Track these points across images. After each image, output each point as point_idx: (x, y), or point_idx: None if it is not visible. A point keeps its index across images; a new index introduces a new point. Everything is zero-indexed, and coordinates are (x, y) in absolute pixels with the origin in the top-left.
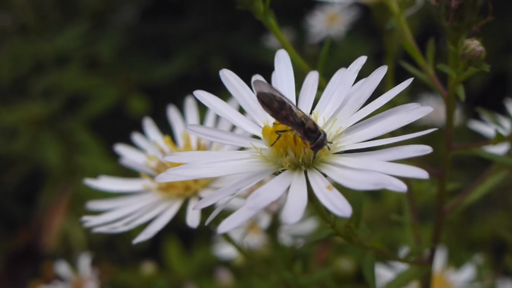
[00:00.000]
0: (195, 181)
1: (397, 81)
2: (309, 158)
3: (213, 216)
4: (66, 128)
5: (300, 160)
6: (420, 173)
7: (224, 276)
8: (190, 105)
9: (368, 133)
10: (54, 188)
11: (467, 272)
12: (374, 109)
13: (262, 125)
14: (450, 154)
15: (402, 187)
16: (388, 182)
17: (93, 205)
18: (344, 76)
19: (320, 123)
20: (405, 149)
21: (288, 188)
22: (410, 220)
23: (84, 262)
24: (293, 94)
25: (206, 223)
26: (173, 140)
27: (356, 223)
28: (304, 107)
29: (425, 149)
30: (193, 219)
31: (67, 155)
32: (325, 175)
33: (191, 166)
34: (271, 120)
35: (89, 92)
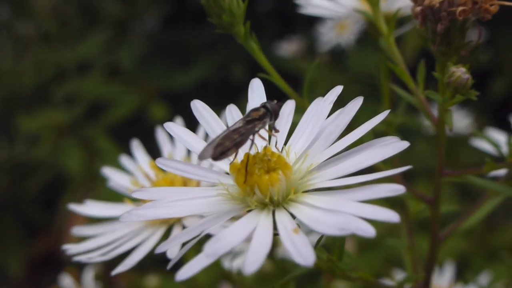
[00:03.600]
0: None
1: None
2: (278, 196)
3: (175, 260)
4: (87, 135)
5: (267, 199)
6: (392, 216)
7: None
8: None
9: (340, 169)
10: (75, 194)
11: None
12: (348, 144)
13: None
14: (442, 181)
15: (369, 232)
16: (355, 226)
17: (78, 230)
18: (319, 107)
19: (291, 159)
20: (378, 189)
21: (253, 230)
22: (407, 243)
23: (88, 275)
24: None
25: (168, 267)
26: None
27: (339, 256)
28: (278, 140)
29: (398, 189)
30: (171, 251)
31: (87, 162)
32: (293, 216)
33: (156, 205)
34: (241, 155)
35: (110, 99)
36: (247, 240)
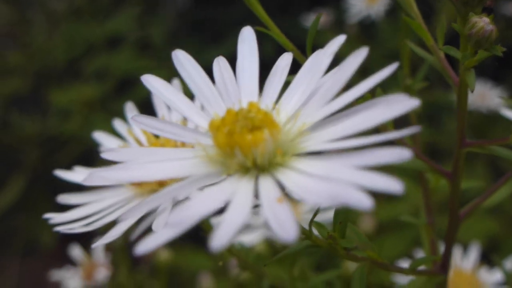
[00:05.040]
0: None
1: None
2: (263, 159)
3: (140, 231)
4: (117, 110)
5: (250, 162)
6: (393, 185)
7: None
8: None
9: (337, 131)
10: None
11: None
12: (348, 102)
13: (213, 116)
14: (463, 152)
15: (365, 203)
16: (348, 196)
17: (63, 198)
18: (317, 61)
19: (281, 118)
20: (380, 153)
21: (230, 198)
22: (425, 221)
23: (98, 246)
24: (256, 82)
25: (132, 238)
26: None
27: (341, 232)
28: (268, 97)
29: (402, 153)
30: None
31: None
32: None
33: (123, 167)
34: (223, 111)
35: (140, 75)
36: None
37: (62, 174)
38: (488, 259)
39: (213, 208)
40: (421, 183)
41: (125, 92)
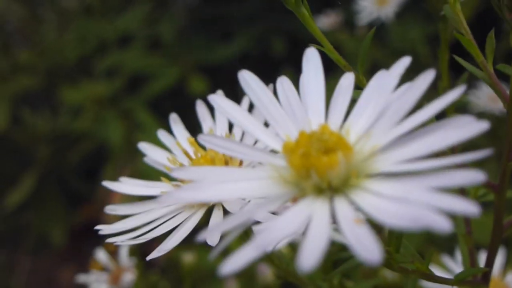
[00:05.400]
0: None
1: (453, 76)
2: (338, 180)
3: (219, 250)
4: (127, 107)
5: (325, 184)
6: (470, 208)
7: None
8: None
9: (409, 152)
10: (116, 165)
11: None
12: (419, 123)
13: (284, 139)
14: (510, 166)
15: (446, 226)
16: (430, 219)
17: (112, 209)
18: (383, 81)
19: (351, 139)
20: (454, 176)
21: (309, 220)
22: (464, 231)
23: (123, 251)
24: (322, 102)
25: (210, 257)
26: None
27: (396, 247)
28: (335, 118)
29: (477, 177)
30: (212, 238)
31: (127, 134)
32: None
33: (197, 186)
34: (295, 134)
35: (150, 72)
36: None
37: (110, 185)
38: None
39: (294, 230)
40: (459, 193)
41: (135, 90)
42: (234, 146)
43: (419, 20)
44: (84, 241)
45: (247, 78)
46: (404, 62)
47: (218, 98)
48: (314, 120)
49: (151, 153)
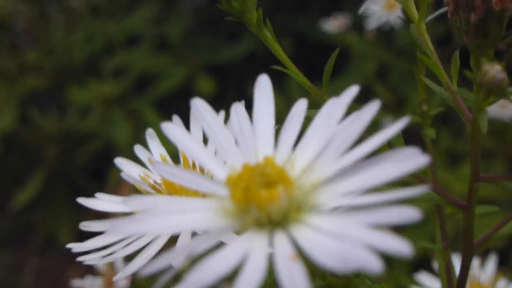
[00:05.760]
0: None
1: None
2: (278, 214)
3: (162, 283)
4: (135, 107)
5: (265, 218)
6: (404, 248)
7: None
8: (194, 118)
9: (350, 186)
10: None
11: None
12: (361, 156)
13: (230, 169)
14: (476, 186)
15: (376, 266)
16: (362, 259)
17: (85, 226)
18: (332, 110)
19: (296, 170)
20: (391, 212)
21: (246, 256)
22: (441, 247)
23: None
24: (271, 132)
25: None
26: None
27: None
28: (283, 147)
29: (413, 216)
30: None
31: (134, 133)
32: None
33: (142, 218)
34: (241, 164)
35: (157, 72)
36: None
37: (84, 201)
38: (507, 261)
39: (229, 268)
40: (437, 210)
41: (143, 90)
42: (185, 175)
43: (429, 22)
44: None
45: (199, 106)
46: (352, 91)
47: (169, 126)
48: (262, 150)
49: (127, 169)
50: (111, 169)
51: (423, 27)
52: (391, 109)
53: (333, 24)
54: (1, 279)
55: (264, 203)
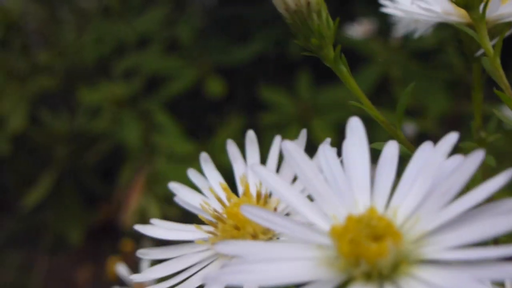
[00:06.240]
0: (255, 236)
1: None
2: (388, 268)
3: None
4: (145, 108)
5: (375, 272)
6: None
7: None
8: (251, 140)
9: (458, 239)
10: (133, 166)
11: None
12: (468, 208)
13: (331, 218)
14: None
15: None
16: None
17: (143, 253)
18: (429, 159)
19: (399, 221)
20: (504, 268)
21: None
22: None
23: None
24: (368, 178)
25: None
26: (233, 179)
27: None
28: (380, 195)
29: None
30: None
31: (145, 135)
32: None
33: (241, 270)
34: (342, 213)
35: (168, 74)
36: None
37: (142, 228)
38: None
39: None
40: None
41: (153, 91)
42: (278, 220)
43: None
44: (101, 241)
45: (291, 150)
46: (451, 138)
47: (258, 168)
48: (360, 198)
49: (182, 194)
50: (120, 170)
51: (498, 62)
52: (411, 115)
53: (358, 30)
54: (11, 279)
55: (373, 257)
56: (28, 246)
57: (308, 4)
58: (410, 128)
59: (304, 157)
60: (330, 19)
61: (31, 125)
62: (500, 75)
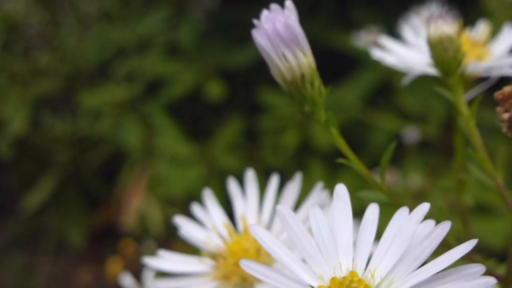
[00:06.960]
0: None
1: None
2: None
3: None
4: (146, 112)
5: None
6: None
7: None
8: (250, 180)
9: None
10: (134, 169)
11: None
12: (434, 273)
13: (318, 277)
14: None
15: None
16: None
17: (152, 284)
18: (404, 225)
19: (376, 281)
20: None
21: None
22: None
23: (148, 274)
24: (351, 242)
25: None
26: (232, 215)
27: None
28: (361, 256)
29: None
30: None
31: (146, 138)
32: None
33: None
34: (327, 273)
35: (169, 77)
36: None
37: (150, 261)
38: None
39: None
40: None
41: (154, 95)
42: (276, 276)
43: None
44: (103, 243)
45: (285, 214)
46: (424, 208)
47: (257, 229)
48: (344, 260)
49: (186, 228)
50: (122, 173)
51: (473, 123)
52: (412, 120)
53: (364, 39)
54: (13, 281)
55: None
56: (30, 248)
57: (303, 76)
58: (412, 133)
59: (297, 221)
60: (322, 88)
61: (33, 128)
62: (474, 135)
